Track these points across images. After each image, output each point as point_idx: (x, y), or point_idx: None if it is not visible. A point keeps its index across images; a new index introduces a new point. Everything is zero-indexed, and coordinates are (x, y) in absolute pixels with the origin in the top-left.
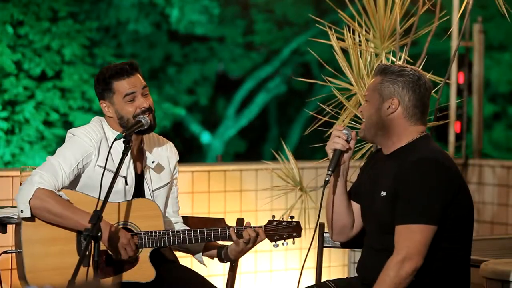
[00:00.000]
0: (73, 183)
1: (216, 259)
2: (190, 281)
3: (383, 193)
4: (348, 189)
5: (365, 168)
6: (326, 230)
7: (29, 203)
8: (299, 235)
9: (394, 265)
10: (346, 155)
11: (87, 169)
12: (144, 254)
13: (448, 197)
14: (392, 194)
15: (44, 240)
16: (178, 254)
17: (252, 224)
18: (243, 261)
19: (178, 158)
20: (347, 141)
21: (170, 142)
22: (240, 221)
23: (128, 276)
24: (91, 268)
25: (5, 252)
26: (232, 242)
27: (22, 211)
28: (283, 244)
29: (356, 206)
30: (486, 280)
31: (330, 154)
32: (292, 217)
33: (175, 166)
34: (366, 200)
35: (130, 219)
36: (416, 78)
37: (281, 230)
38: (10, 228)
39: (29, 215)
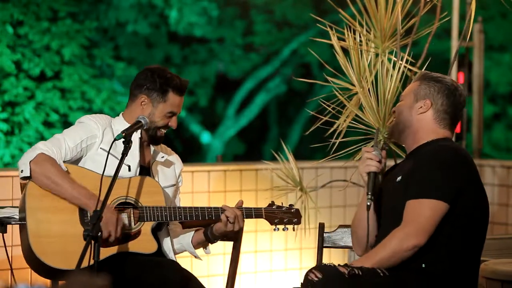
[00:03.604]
0: (76, 163)
1: (206, 251)
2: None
3: (399, 178)
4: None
5: (387, 175)
6: (326, 230)
7: (29, 164)
8: (299, 222)
9: (398, 235)
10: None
11: (90, 151)
12: (146, 227)
13: (462, 182)
14: (407, 176)
15: (47, 208)
16: (177, 255)
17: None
18: (243, 261)
19: (183, 167)
20: (379, 162)
21: (175, 153)
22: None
23: (131, 247)
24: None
25: (10, 222)
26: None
27: (22, 171)
28: (283, 229)
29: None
30: (486, 280)
31: (365, 177)
32: (291, 205)
33: (180, 174)
34: (384, 197)
35: (131, 194)
36: (453, 87)
37: (281, 214)
38: (10, 228)
39: (28, 175)
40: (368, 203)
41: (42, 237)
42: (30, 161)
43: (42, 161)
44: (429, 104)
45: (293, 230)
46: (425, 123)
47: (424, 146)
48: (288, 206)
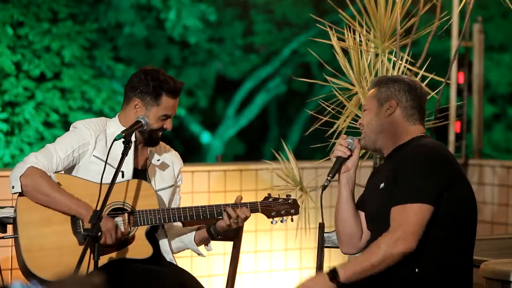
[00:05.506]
0: (69, 172)
1: (208, 249)
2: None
3: (382, 185)
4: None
5: (370, 179)
6: (326, 230)
7: (20, 179)
8: (296, 213)
9: (386, 240)
10: (350, 163)
11: (83, 158)
12: (140, 232)
13: (445, 180)
14: (391, 182)
15: (39, 221)
16: (177, 255)
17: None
18: (243, 261)
19: (182, 165)
20: (349, 148)
21: (174, 151)
22: (238, 199)
23: (126, 253)
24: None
25: (2, 237)
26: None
27: (13, 187)
28: (281, 221)
29: (363, 216)
30: (486, 280)
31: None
32: (288, 195)
33: (179, 173)
34: (369, 203)
35: (124, 199)
36: (412, 82)
37: (278, 206)
38: (10, 228)
39: (19, 190)
40: (326, 183)
41: (35, 251)
42: (20, 176)
43: (32, 175)
44: (394, 104)
45: (291, 221)
46: (396, 124)
47: (401, 147)
48: (285, 197)
